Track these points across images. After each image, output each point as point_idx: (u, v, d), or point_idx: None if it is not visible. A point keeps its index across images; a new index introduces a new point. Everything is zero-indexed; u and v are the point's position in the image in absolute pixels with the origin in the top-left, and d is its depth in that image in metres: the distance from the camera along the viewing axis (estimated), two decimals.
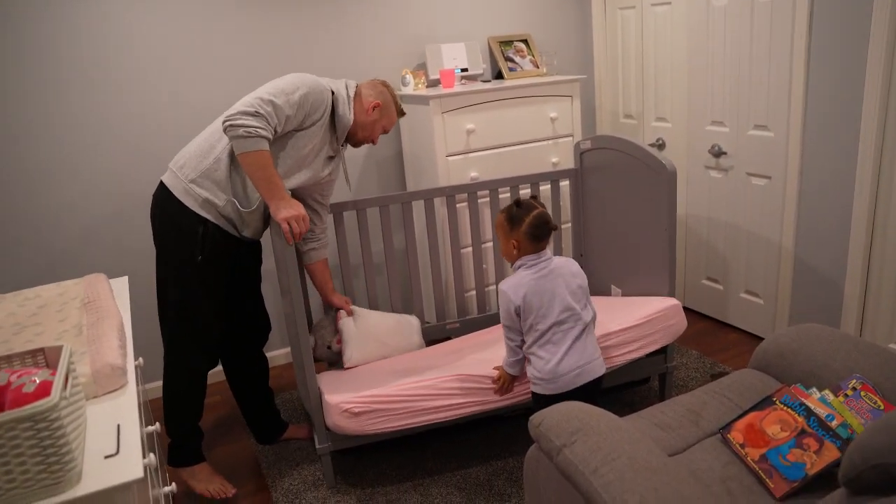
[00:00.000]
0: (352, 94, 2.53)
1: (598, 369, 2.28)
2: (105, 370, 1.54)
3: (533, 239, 2.22)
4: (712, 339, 3.58)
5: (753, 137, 3.28)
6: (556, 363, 2.20)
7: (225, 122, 2.22)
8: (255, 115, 2.20)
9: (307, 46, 3.42)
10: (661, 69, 3.72)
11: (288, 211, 2.29)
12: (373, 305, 3.16)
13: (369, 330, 2.91)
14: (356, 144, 2.65)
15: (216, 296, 2.50)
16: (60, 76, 2.99)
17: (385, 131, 2.66)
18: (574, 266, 2.31)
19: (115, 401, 1.53)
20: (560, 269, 2.26)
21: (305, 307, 2.93)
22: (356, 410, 2.34)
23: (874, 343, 2.27)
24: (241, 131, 2.19)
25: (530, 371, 2.30)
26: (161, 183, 2.44)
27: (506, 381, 2.42)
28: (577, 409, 1.77)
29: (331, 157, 2.60)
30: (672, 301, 2.75)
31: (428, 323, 3.22)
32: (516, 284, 2.22)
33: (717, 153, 3.46)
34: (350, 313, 2.90)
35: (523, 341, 2.29)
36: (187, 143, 2.77)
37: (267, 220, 2.54)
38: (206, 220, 2.38)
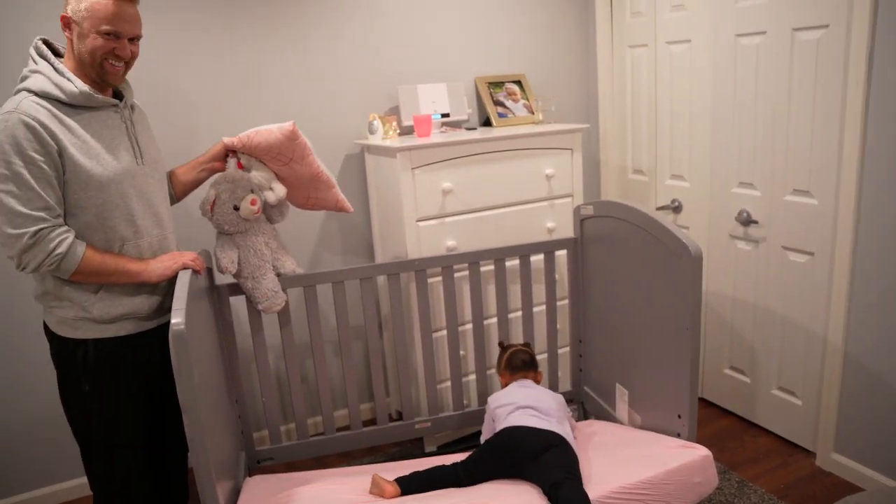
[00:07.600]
0: (45, 49, 1.81)
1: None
2: None
3: (511, 369, 2.48)
4: (738, 444, 2.94)
5: (792, 204, 2.69)
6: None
7: (21, 269, 1.76)
8: (22, 235, 1.70)
9: (255, 79, 2.85)
10: (679, 119, 3.14)
11: (161, 269, 1.92)
12: (325, 397, 2.57)
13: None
14: (111, 80, 1.84)
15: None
16: None
17: (108, 34, 1.75)
18: (557, 395, 2.36)
19: None
20: (544, 390, 2.37)
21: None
22: None
23: None
24: (44, 268, 1.75)
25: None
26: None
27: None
28: None
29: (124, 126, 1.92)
30: (700, 451, 2.09)
31: (396, 420, 2.59)
32: (499, 392, 2.41)
33: (746, 221, 2.87)
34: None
35: None
36: None
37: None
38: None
